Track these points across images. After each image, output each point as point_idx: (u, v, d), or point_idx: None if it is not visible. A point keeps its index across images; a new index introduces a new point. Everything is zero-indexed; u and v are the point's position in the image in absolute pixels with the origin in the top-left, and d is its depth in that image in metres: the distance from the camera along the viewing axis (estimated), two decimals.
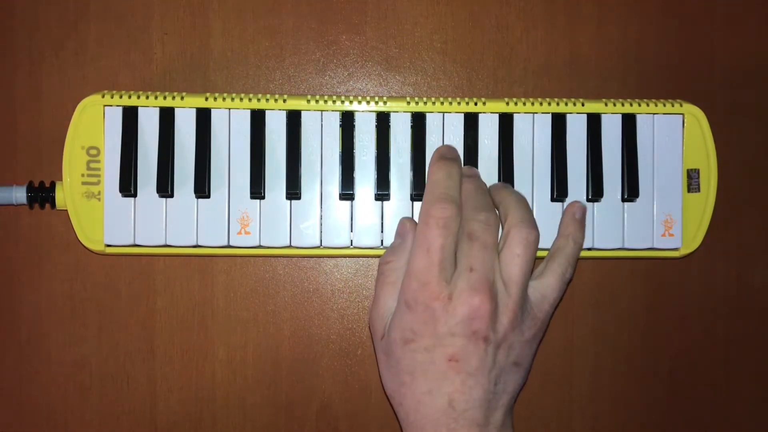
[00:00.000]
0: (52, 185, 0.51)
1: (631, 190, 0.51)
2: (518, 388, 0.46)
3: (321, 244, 0.50)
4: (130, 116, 0.50)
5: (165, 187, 0.49)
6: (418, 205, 0.50)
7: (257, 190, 0.50)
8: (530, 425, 0.55)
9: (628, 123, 0.51)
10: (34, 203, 0.51)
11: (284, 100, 0.50)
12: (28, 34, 0.53)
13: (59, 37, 0.53)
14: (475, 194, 0.47)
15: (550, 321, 0.48)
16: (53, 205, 0.50)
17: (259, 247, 0.50)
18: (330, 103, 0.50)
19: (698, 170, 0.52)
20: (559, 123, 0.51)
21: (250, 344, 0.54)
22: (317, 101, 0.50)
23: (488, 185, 0.50)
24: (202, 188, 0.49)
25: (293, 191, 0.50)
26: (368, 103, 0.51)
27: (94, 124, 0.50)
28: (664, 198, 0.51)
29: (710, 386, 0.56)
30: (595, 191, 0.51)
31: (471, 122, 0.51)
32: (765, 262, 0.56)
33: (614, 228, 0.51)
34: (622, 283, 0.55)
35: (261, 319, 0.54)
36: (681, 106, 0.52)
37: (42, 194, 0.51)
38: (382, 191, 0.50)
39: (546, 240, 0.50)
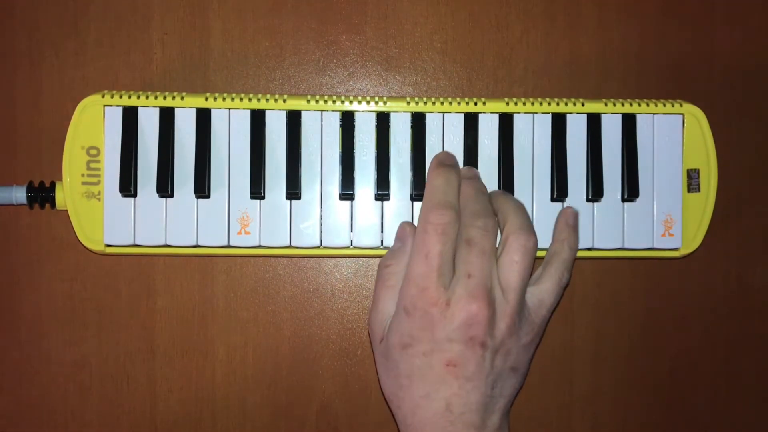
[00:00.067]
0: (52, 185, 0.51)
1: (631, 190, 0.51)
2: (515, 392, 0.46)
3: (321, 244, 0.50)
4: (130, 116, 0.50)
5: (165, 187, 0.49)
6: (418, 205, 0.50)
7: (257, 190, 0.50)
8: (530, 425, 0.55)
9: (628, 123, 0.51)
10: (34, 203, 0.51)
11: (284, 100, 0.50)
12: (28, 34, 0.53)
13: (59, 37, 0.53)
14: (474, 199, 0.47)
15: (548, 323, 0.48)
16: (53, 205, 0.50)
17: (259, 247, 0.50)
18: (330, 103, 0.50)
19: (698, 170, 0.52)
20: (559, 123, 0.51)
21: (250, 344, 0.54)
22: (317, 101, 0.50)
23: (488, 190, 0.50)
24: (202, 188, 0.49)
25: (293, 191, 0.50)
26: (368, 103, 0.51)
27: (94, 124, 0.50)
28: (664, 198, 0.51)
29: (710, 386, 0.56)
30: (595, 191, 0.51)
31: (471, 122, 0.51)
32: (765, 262, 0.56)
33: (614, 228, 0.51)
34: (622, 283, 0.55)
35: (261, 319, 0.54)
36: (681, 106, 0.52)
37: (42, 194, 0.51)
38: (382, 191, 0.50)
39: (546, 241, 0.50)
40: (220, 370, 0.54)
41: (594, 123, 0.51)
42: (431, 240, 0.45)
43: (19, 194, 0.51)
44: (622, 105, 0.52)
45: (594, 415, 0.55)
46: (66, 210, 0.50)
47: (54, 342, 0.53)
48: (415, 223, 0.49)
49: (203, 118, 0.50)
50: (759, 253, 0.56)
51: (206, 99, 0.50)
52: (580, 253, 0.51)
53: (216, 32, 0.54)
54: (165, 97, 0.50)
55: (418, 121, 0.51)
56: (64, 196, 0.50)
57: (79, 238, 0.50)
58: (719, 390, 0.56)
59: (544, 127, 0.51)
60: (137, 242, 0.50)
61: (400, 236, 0.48)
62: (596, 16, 0.56)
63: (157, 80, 0.54)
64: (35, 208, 0.52)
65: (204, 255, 0.53)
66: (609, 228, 0.51)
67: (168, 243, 0.50)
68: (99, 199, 0.50)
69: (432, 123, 0.51)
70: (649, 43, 0.56)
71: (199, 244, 0.50)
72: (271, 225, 0.50)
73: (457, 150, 0.51)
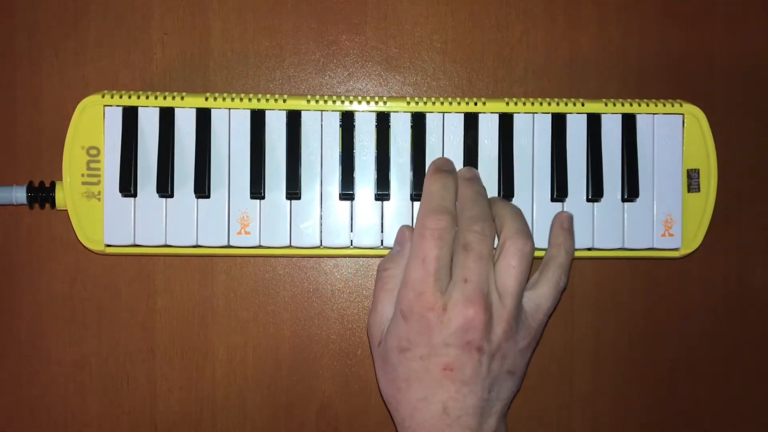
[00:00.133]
0: (52, 185, 0.51)
1: (631, 190, 0.51)
2: (512, 394, 0.46)
3: (321, 244, 0.50)
4: (130, 116, 0.50)
5: (165, 187, 0.49)
6: (417, 205, 0.50)
7: (257, 190, 0.50)
8: (530, 425, 0.55)
9: (628, 123, 0.51)
10: (34, 203, 0.51)
11: (284, 100, 0.50)
12: (28, 34, 0.53)
13: (59, 37, 0.53)
14: (472, 202, 0.47)
15: (546, 326, 0.48)
16: (53, 205, 0.50)
17: (259, 247, 0.50)
18: (330, 103, 0.50)
19: (698, 170, 0.52)
20: (559, 123, 0.51)
21: (250, 344, 0.54)
22: (317, 101, 0.50)
23: (488, 190, 0.50)
24: (202, 188, 0.49)
25: (293, 191, 0.50)
26: (368, 103, 0.51)
27: (94, 124, 0.50)
28: (664, 198, 0.51)
29: (710, 386, 0.56)
30: (595, 191, 0.51)
31: (471, 122, 0.51)
32: (765, 262, 0.56)
33: (614, 228, 0.51)
34: (622, 283, 0.55)
35: (261, 319, 0.54)
36: (681, 106, 0.52)
37: (42, 194, 0.51)
38: (382, 191, 0.50)
39: (545, 241, 0.50)
40: (220, 370, 0.54)
41: (594, 123, 0.51)
42: (428, 245, 0.45)
43: (19, 194, 0.51)
44: (622, 105, 0.52)
45: (594, 415, 0.55)
46: (66, 210, 0.50)
47: (54, 342, 0.53)
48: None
49: (203, 118, 0.50)
50: (759, 253, 0.56)
51: (206, 99, 0.50)
52: (580, 253, 0.51)
53: (216, 32, 0.54)
54: (165, 97, 0.50)
55: (418, 121, 0.51)
56: (64, 196, 0.50)
57: (79, 238, 0.50)
58: (719, 390, 0.56)
59: (544, 127, 0.51)
60: (137, 242, 0.50)
61: (399, 240, 0.48)
62: (596, 16, 0.56)
63: (157, 80, 0.54)
64: (35, 208, 0.52)
65: (204, 255, 0.53)
66: (609, 228, 0.51)
67: (168, 243, 0.50)
68: (99, 199, 0.50)
69: (432, 123, 0.51)
70: (649, 43, 0.56)
71: (199, 244, 0.50)
72: (271, 225, 0.50)
73: (457, 150, 0.51)
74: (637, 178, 0.51)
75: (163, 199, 0.50)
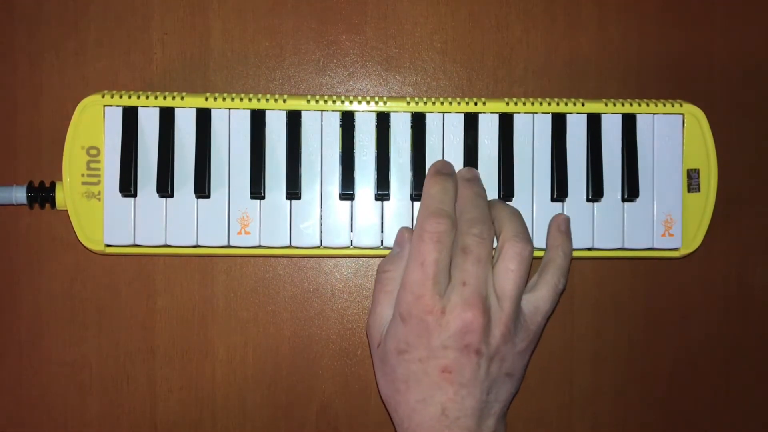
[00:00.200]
0: (52, 185, 0.51)
1: (631, 190, 0.51)
2: (511, 396, 0.46)
3: (321, 244, 0.50)
4: (130, 116, 0.50)
5: (165, 187, 0.49)
6: (418, 205, 0.50)
7: (257, 190, 0.50)
8: (530, 425, 0.55)
9: (628, 123, 0.51)
10: (34, 203, 0.51)
11: (284, 100, 0.50)
12: (28, 34, 0.53)
13: (59, 37, 0.53)
14: (472, 204, 0.47)
15: (545, 327, 0.48)
16: (53, 205, 0.50)
17: (259, 247, 0.50)
18: (330, 103, 0.50)
19: (698, 170, 0.52)
20: (559, 123, 0.51)
21: (250, 344, 0.54)
22: (317, 101, 0.50)
23: (488, 190, 0.50)
24: (202, 188, 0.49)
25: (293, 191, 0.50)
26: (368, 103, 0.51)
27: (94, 124, 0.50)
28: (664, 198, 0.51)
29: (710, 386, 0.56)
30: (595, 191, 0.51)
31: (471, 122, 0.51)
32: (765, 262, 0.56)
33: (614, 228, 0.51)
34: (622, 283, 0.55)
35: (261, 319, 0.54)
36: (681, 106, 0.52)
37: (42, 194, 0.51)
38: (382, 191, 0.50)
39: (545, 243, 0.50)
40: (220, 370, 0.54)
41: (594, 123, 0.51)
42: (427, 248, 0.45)
43: (19, 194, 0.51)
44: (622, 105, 0.52)
45: (594, 415, 0.55)
46: (66, 210, 0.50)
47: (54, 342, 0.53)
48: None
49: (203, 118, 0.50)
50: (759, 253, 0.56)
51: (206, 99, 0.50)
52: (580, 253, 0.51)
53: (216, 32, 0.54)
54: (165, 97, 0.50)
55: (418, 121, 0.51)
56: (64, 196, 0.50)
57: (79, 238, 0.50)
58: (719, 390, 0.56)
59: (544, 127, 0.51)
60: (137, 242, 0.50)
61: (398, 242, 0.48)
62: (596, 16, 0.56)
63: (157, 80, 0.54)
64: (35, 208, 0.52)
65: (204, 255, 0.53)
66: (609, 228, 0.51)
67: (168, 243, 0.50)
68: (99, 199, 0.50)
69: (432, 123, 0.51)
70: (649, 43, 0.56)
71: (199, 244, 0.50)
72: (271, 225, 0.50)
73: (457, 150, 0.51)
74: (637, 178, 0.51)
75: (163, 199, 0.50)
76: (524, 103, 0.51)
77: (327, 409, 0.54)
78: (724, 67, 0.56)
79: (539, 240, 0.50)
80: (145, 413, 0.54)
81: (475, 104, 0.51)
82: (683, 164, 0.52)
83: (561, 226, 0.50)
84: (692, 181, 0.52)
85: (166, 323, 0.54)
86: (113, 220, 0.49)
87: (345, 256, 0.54)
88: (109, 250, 0.50)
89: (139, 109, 0.50)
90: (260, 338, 0.54)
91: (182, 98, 0.50)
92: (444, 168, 0.49)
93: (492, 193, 0.50)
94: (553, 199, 0.51)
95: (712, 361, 0.56)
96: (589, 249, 0.51)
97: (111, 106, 0.50)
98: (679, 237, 0.51)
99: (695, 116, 0.52)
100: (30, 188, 0.51)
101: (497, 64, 0.55)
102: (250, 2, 0.54)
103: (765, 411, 0.56)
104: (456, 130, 0.51)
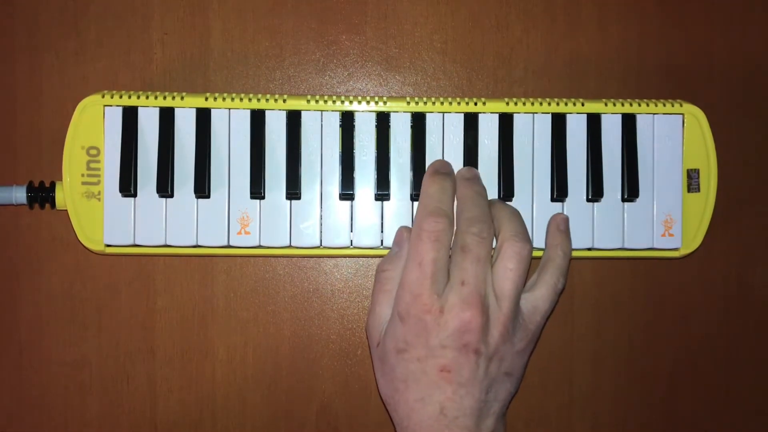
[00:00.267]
0: (52, 185, 0.51)
1: (631, 190, 0.51)
2: (510, 395, 0.46)
3: (321, 244, 0.50)
4: (130, 116, 0.50)
5: (165, 187, 0.49)
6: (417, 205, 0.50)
7: (257, 190, 0.50)
8: (530, 425, 0.55)
9: (628, 123, 0.51)
10: (34, 203, 0.51)
11: (284, 100, 0.50)
12: (28, 34, 0.53)
13: (59, 37, 0.53)
14: (471, 202, 0.47)
15: (545, 327, 0.48)
16: (53, 205, 0.50)
17: (259, 247, 0.50)
18: (330, 103, 0.50)
19: (698, 170, 0.52)
20: (559, 123, 0.51)
21: (250, 344, 0.54)
22: (317, 101, 0.50)
23: (488, 190, 0.50)
24: (202, 188, 0.49)
25: (293, 191, 0.50)
26: (368, 103, 0.51)
27: (94, 124, 0.50)
28: (664, 198, 0.51)
29: (710, 386, 0.56)
30: (595, 191, 0.51)
31: (471, 122, 0.51)
32: (765, 262, 0.56)
33: (614, 228, 0.51)
34: (622, 283, 0.55)
35: (261, 319, 0.54)
36: (681, 106, 0.52)
37: (42, 194, 0.51)
38: (382, 191, 0.50)
39: (544, 242, 0.50)
40: (220, 370, 0.54)
41: (594, 123, 0.51)
42: (425, 247, 0.45)
43: (19, 194, 0.51)
44: (622, 105, 0.52)
45: (594, 415, 0.55)
46: (66, 210, 0.50)
47: (54, 342, 0.53)
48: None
49: (203, 118, 0.50)
50: (759, 253, 0.56)
51: (206, 99, 0.50)
52: (579, 253, 0.51)
53: (216, 32, 0.54)
54: (165, 97, 0.50)
55: (418, 121, 0.51)
56: (64, 196, 0.50)
57: (79, 238, 0.50)
58: (719, 390, 0.56)
59: (544, 127, 0.51)
60: (137, 242, 0.50)
61: (397, 241, 0.48)
62: (596, 16, 0.56)
63: (157, 80, 0.54)
64: (35, 208, 0.52)
65: (204, 255, 0.53)
66: (609, 228, 0.51)
67: (168, 243, 0.50)
68: (99, 199, 0.50)
69: (432, 123, 0.51)
70: (649, 43, 0.56)
71: (199, 244, 0.50)
72: (271, 225, 0.50)
73: (457, 150, 0.51)
74: (637, 178, 0.51)
75: (163, 199, 0.50)
76: (524, 103, 0.51)
77: (327, 409, 0.54)
78: (724, 67, 0.56)
79: (539, 240, 0.50)
80: (145, 413, 0.54)
81: (475, 104, 0.51)
82: (683, 164, 0.52)
83: (560, 226, 0.50)
84: (692, 181, 0.52)
85: (166, 323, 0.54)
86: (113, 220, 0.49)
87: (345, 256, 0.54)
88: (109, 250, 0.50)
89: (139, 109, 0.50)
90: (260, 338, 0.54)
91: (182, 98, 0.50)
92: (442, 167, 0.49)
93: (492, 193, 0.50)
94: (553, 199, 0.51)
95: (712, 361, 0.56)
96: (589, 249, 0.51)
97: (111, 106, 0.50)
98: (679, 237, 0.51)
99: (695, 116, 0.52)
100: (30, 188, 0.51)
101: (497, 64, 0.55)
102: (250, 2, 0.54)
103: (765, 411, 0.56)
104: (456, 130, 0.51)
